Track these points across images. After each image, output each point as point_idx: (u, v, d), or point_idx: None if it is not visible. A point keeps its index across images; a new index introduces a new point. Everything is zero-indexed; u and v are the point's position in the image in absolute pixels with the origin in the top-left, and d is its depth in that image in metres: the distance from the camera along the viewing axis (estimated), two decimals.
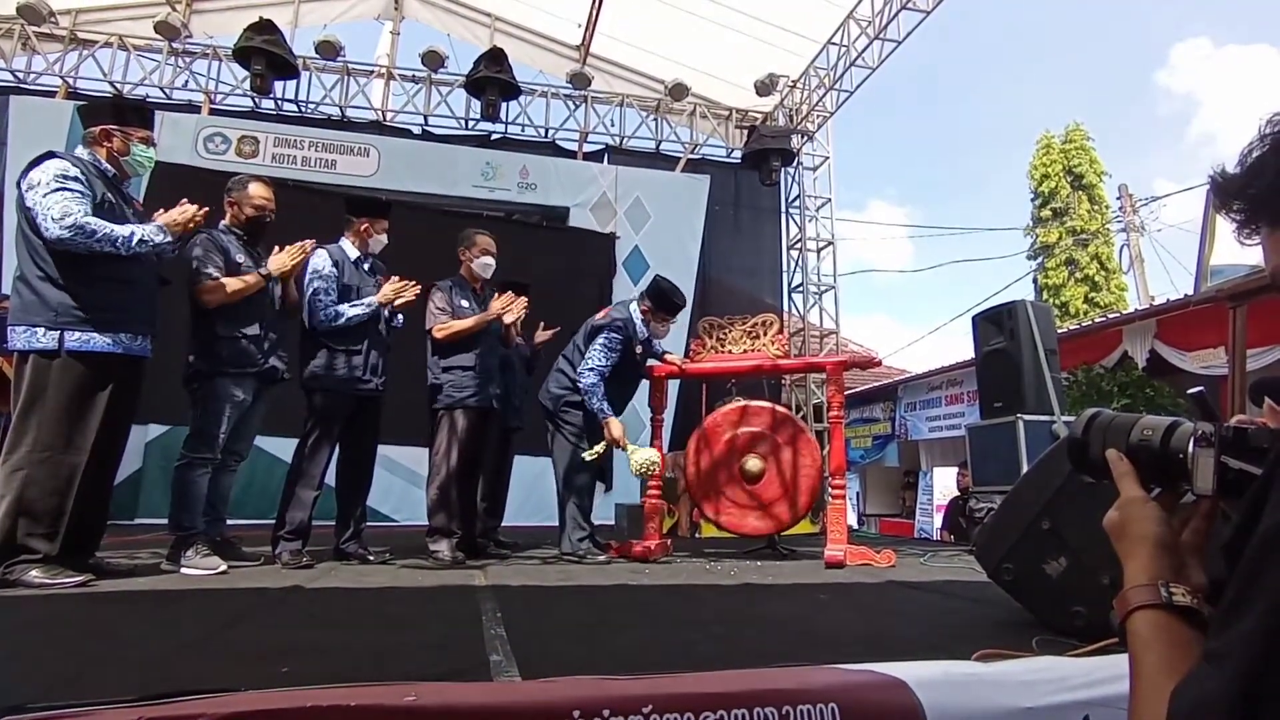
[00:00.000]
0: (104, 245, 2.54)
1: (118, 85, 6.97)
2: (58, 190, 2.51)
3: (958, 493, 7.79)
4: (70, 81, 6.88)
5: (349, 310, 3.38)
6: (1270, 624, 0.44)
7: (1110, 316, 8.11)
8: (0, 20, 6.78)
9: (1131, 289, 15.49)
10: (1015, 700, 1.31)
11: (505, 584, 2.77)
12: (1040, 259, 18.62)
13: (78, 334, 2.55)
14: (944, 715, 1.27)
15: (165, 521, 3.12)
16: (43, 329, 2.52)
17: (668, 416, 4.33)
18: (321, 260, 3.42)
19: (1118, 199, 15.57)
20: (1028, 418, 4.39)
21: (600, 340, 3.79)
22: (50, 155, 2.64)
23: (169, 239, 2.73)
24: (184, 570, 2.86)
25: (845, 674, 1.38)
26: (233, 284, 3.07)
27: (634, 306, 4.01)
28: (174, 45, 7.00)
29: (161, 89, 7.02)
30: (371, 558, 3.42)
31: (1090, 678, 1.35)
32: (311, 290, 3.36)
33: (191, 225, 2.83)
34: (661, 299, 3.96)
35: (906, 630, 1.97)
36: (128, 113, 2.87)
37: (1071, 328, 8.83)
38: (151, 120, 2.96)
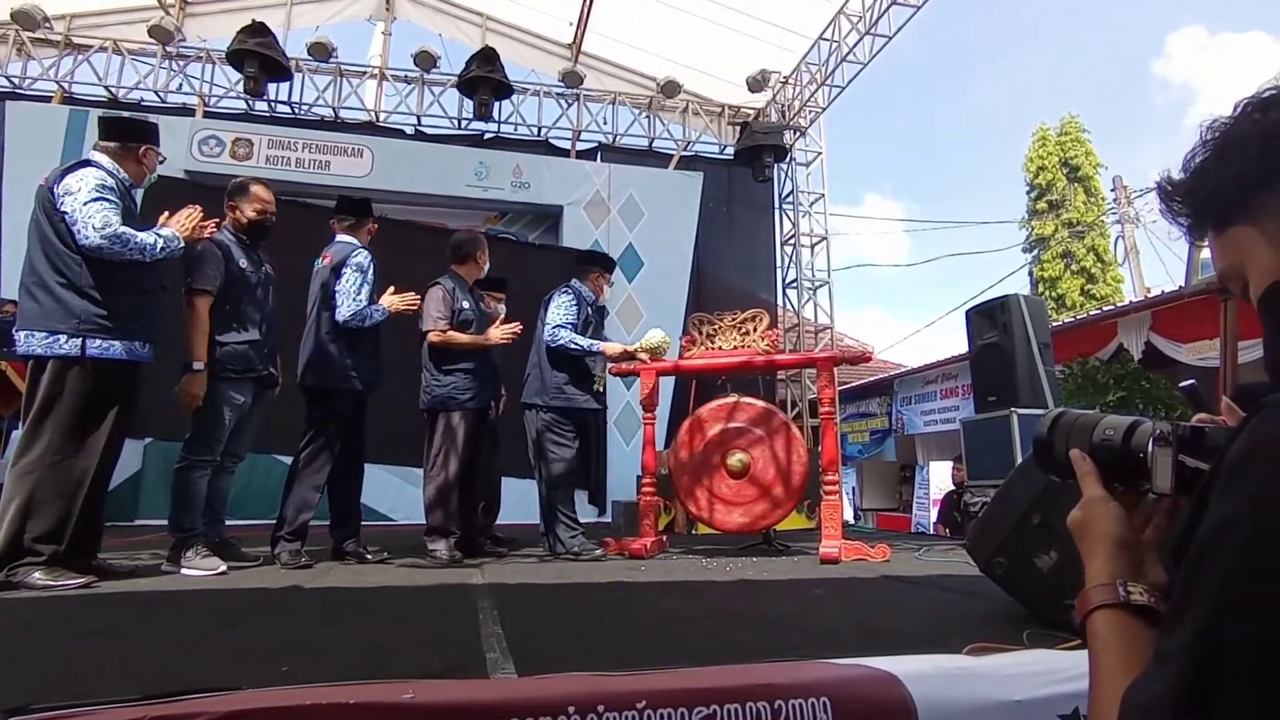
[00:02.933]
0: (134, 253, 2.63)
1: (112, 89, 6.97)
2: (97, 200, 2.58)
3: (953, 487, 7.83)
4: (65, 86, 6.88)
5: (374, 313, 3.43)
6: (1206, 626, 0.45)
7: (1106, 309, 8.15)
8: None
9: (1128, 281, 15.55)
10: (1005, 693, 1.33)
11: (502, 582, 2.79)
12: (1036, 252, 18.66)
13: (99, 341, 2.60)
14: (934, 708, 1.30)
15: (165, 523, 3.14)
16: (65, 335, 2.56)
17: (662, 414, 4.36)
18: (366, 259, 3.45)
19: (1113, 191, 15.61)
20: (1021, 411, 4.42)
21: (554, 301, 3.94)
22: (86, 164, 2.70)
23: (181, 244, 2.81)
24: (184, 571, 2.89)
25: (837, 668, 1.40)
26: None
27: (576, 282, 4.09)
28: (168, 49, 7.00)
29: (156, 92, 7.02)
30: (370, 557, 3.44)
31: (1080, 670, 1.35)
32: (355, 286, 3.37)
33: (200, 232, 2.91)
34: (598, 258, 4.37)
35: (899, 625, 2.00)
36: (155, 133, 2.99)
37: (1067, 320, 8.86)
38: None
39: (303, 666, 1.46)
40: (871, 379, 11.77)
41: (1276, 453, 0.46)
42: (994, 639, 1.55)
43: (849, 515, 10.18)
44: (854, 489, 11.12)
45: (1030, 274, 18.45)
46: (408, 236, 6.20)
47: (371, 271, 3.45)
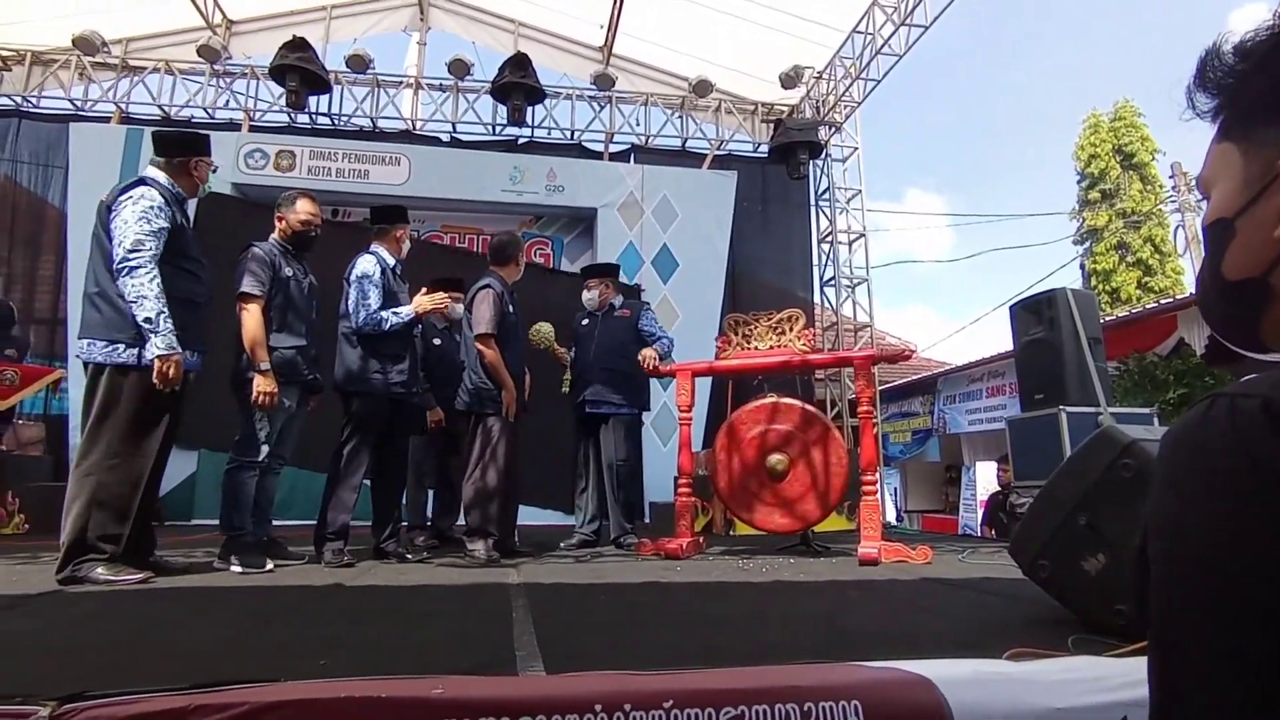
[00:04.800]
0: (146, 276, 2.67)
1: (165, 108, 7.27)
2: (141, 219, 2.69)
3: (999, 488, 7.63)
4: (123, 107, 7.20)
5: (391, 317, 3.48)
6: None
7: (1163, 302, 7.83)
8: (58, 52, 7.14)
9: (1189, 272, 14.92)
10: (1047, 700, 1.29)
11: (537, 581, 2.82)
12: (1088, 244, 18.04)
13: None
14: (971, 714, 1.26)
15: (217, 522, 3.26)
16: (123, 345, 2.68)
17: (699, 416, 4.36)
18: (372, 265, 3.53)
19: (1171, 178, 15.00)
20: (1070, 409, 4.28)
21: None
22: (141, 182, 2.81)
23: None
24: (234, 568, 2.99)
25: (869, 672, 1.37)
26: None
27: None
28: (215, 67, 7.27)
29: (205, 109, 7.30)
30: (410, 556, 3.51)
31: (1130, 678, 1.30)
32: (360, 292, 3.46)
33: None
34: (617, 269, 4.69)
35: (937, 628, 1.95)
36: (206, 144, 3.09)
37: (1121, 314, 8.55)
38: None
39: (340, 661, 1.50)
40: (914, 378, 11.54)
41: (1170, 453, 0.47)
42: (1037, 644, 1.51)
43: (891, 517, 10.00)
44: (896, 490, 10.92)
45: (1082, 267, 17.85)
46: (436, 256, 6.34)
47: (379, 275, 3.49)
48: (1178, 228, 14.58)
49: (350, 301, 3.47)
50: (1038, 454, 4.45)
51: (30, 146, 6.92)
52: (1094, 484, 1.90)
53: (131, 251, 2.65)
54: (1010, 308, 4.96)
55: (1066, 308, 4.49)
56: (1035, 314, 4.70)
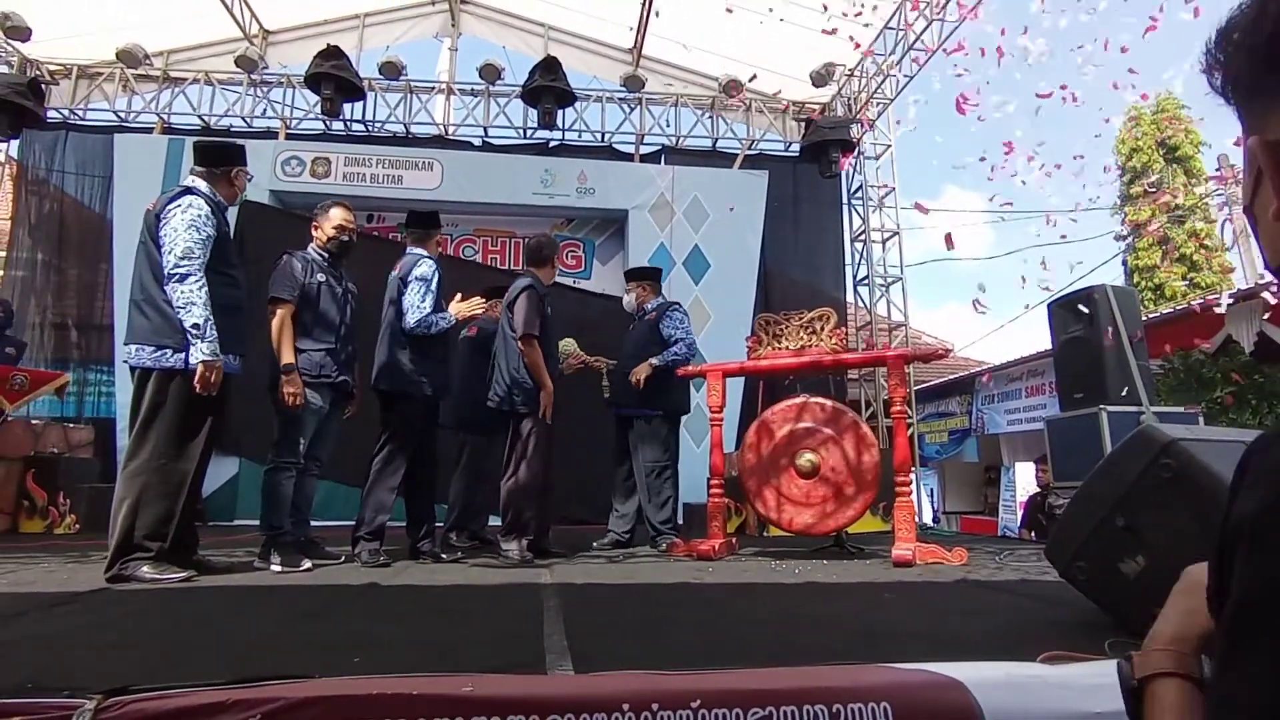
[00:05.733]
0: (196, 285, 2.76)
1: (205, 118, 7.48)
2: (191, 228, 2.78)
3: (1038, 489, 7.45)
4: (165, 117, 7.43)
5: (440, 320, 3.55)
6: (1267, 701, 0.41)
7: (1209, 298, 7.57)
8: (102, 65, 7.40)
9: (1237, 267, 14.38)
10: (1081, 705, 1.26)
11: (570, 581, 2.84)
12: (1130, 239, 17.51)
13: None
14: (1003, 717, 1.24)
15: (257, 523, 3.35)
16: (170, 350, 2.76)
17: (731, 416, 4.35)
18: (430, 268, 3.59)
19: (1217, 170, 14.48)
20: (1111, 409, 4.17)
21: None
22: (188, 191, 2.90)
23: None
24: (273, 568, 3.07)
25: (899, 673, 1.36)
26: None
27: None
28: (252, 77, 7.46)
29: (243, 118, 7.50)
30: (444, 556, 3.56)
31: None
32: (420, 295, 3.51)
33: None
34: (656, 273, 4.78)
35: (970, 630, 1.92)
36: (244, 154, 3.20)
37: (1165, 311, 8.29)
38: None
39: (373, 658, 1.53)
40: (951, 377, 11.33)
41: None
42: (1073, 648, 1.47)
43: (928, 518, 9.84)
44: (933, 491, 10.73)
45: (1124, 263, 17.31)
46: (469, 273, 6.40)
47: (435, 280, 3.57)
48: (1224, 221, 14.07)
49: (406, 301, 3.51)
50: (1078, 454, 4.34)
51: (77, 157, 7.18)
52: (1132, 485, 1.85)
53: (182, 259, 2.74)
54: (1048, 306, 4.84)
55: (1106, 304, 4.37)
56: (1074, 311, 4.58)
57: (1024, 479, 9.59)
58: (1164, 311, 8.24)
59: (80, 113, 7.49)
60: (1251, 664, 0.42)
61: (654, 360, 4.22)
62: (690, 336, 4.39)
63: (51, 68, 7.44)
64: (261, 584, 2.74)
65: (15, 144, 7.19)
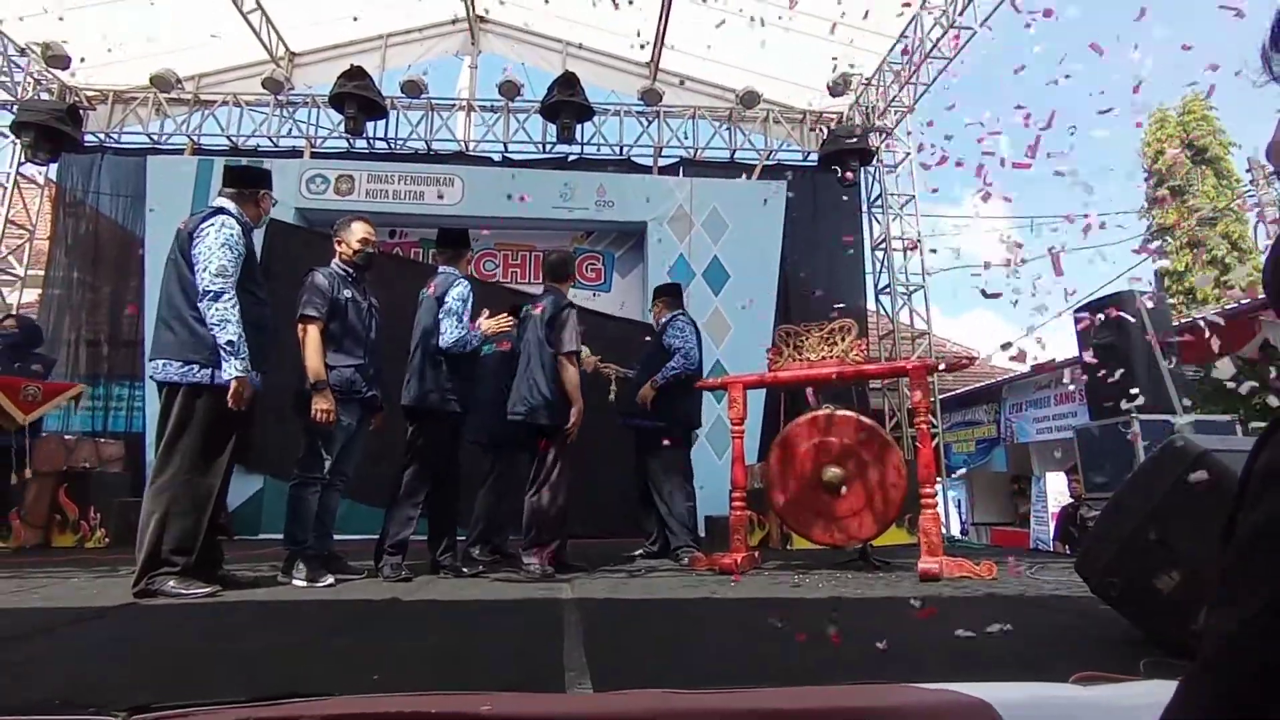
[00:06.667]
0: (230, 302, 2.83)
1: (233, 139, 7.66)
2: (224, 247, 2.85)
3: (1070, 500, 7.29)
4: (195, 139, 7.61)
5: (473, 339, 3.59)
6: (1253, 629, 0.43)
7: (1243, 302, 7.37)
8: (136, 90, 7.62)
9: None
10: None
11: (590, 597, 2.82)
12: (1159, 243, 17.17)
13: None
14: None
15: (282, 537, 3.38)
16: (198, 365, 2.81)
17: (754, 428, 4.33)
18: (467, 289, 3.63)
19: (1248, 171, 14.17)
20: (1143, 417, 4.08)
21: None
22: (219, 211, 2.97)
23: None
24: (296, 582, 3.09)
25: (924, 693, 1.32)
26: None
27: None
28: (279, 98, 7.62)
29: (269, 138, 7.66)
30: (466, 571, 3.57)
31: None
32: (459, 313, 3.54)
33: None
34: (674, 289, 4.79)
35: (998, 648, 1.87)
36: (269, 178, 3.30)
37: (1197, 316, 8.08)
38: None
39: (393, 675, 1.53)
40: (978, 385, 11.15)
41: None
42: (1106, 667, 1.42)
43: (956, 530, 9.66)
44: (961, 502, 10.55)
45: (1156, 272, 16.96)
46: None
47: (470, 300, 3.60)
48: (1257, 224, 13.76)
49: (444, 321, 3.52)
50: (1109, 464, 4.25)
51: (112, 178, 7.38)
52: (1164, 497, 1.80)
53: (216, 277, 2.80)
54: (1074, 313, 4.75)
55: (1135, 311, 4.28)
56: (1102, 317, 4.49)
57: (1055, 489, 9.38)
58: (1195, 316, 8.03)
59: (115, 136, 7.71)
60: (1246, 583, 0.45)
61: (655, 379, 4.29)
62: (687, 346, 4.38)
63: (89, 94, 7.68)
64: (285, 599, 2.76)
65: (54, 167, 7.41)
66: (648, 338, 4.62)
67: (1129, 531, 1.85)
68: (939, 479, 5.48)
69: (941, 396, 8.59)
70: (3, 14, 6.67)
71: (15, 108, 7.09)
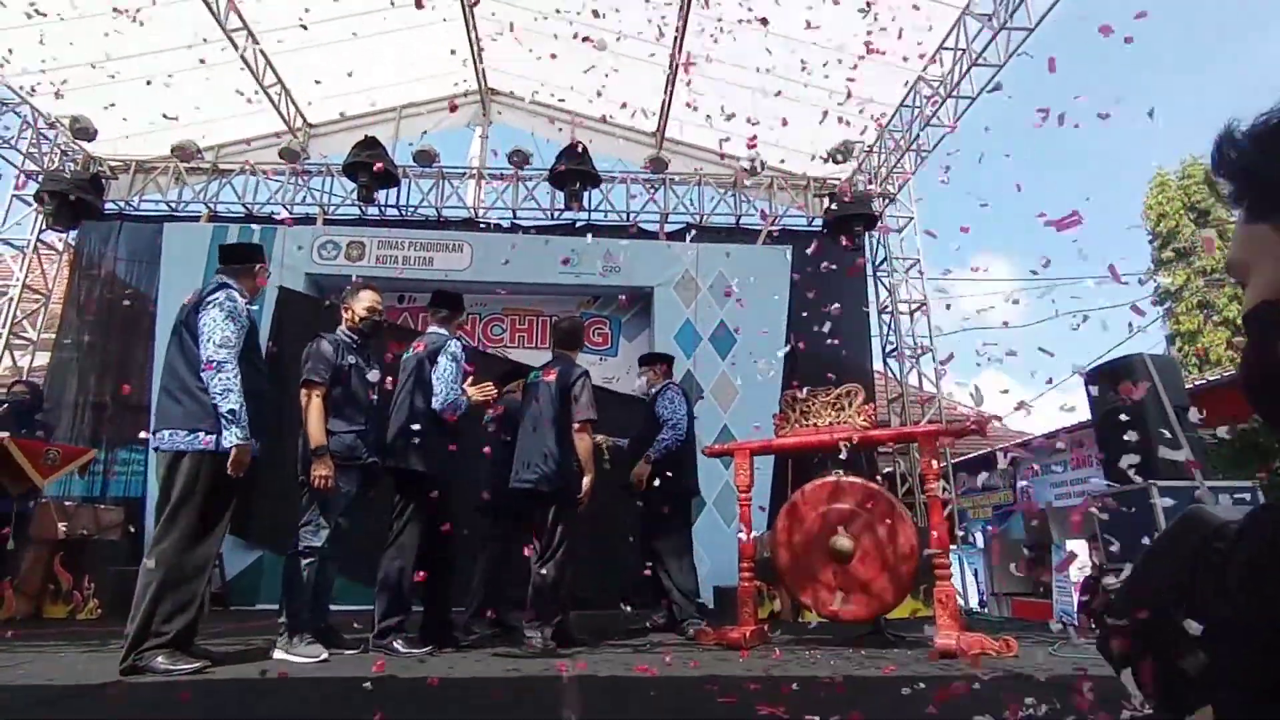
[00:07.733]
0: (230, 371, 2.88)
1: (249, 206, 7.87)
2: (229, 319, 2.93)
3: (1090, 570, 7.05)
4: (212, 206, 7.83)
5: (464, 402, 3.57)
6: None
7: None
8: (158, 160, 7.88)
9: None
10: None
11: (593, 674, 2.71)
12: (1167, 304, 17.17)
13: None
14: None
15: (278, 608, 3.29)
16: (203, 432, 2.84)
17: (761, 495, 4.25)
18: (459, 349, 3.63)
19: None
20: (1162, 484, 3.97)
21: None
22: (223, 287, 3.05)
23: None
24: (289, 656, 2.99)
25: None
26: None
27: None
28: (294, 166, 7.86)
29: (284, 205, 7.86)
30: (464, 642, 3.46)
31: None
32: (452, 374, 3.52)
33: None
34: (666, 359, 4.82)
35: None
36: (263, 251, 3.43)
37: (1212, 378, 7.99)
38: None
39: None
40: (990, 449, 10.96)
41: None
42: None
43: (974, 602, 9.33)
44: (978, 571, 10.21)
45: (1168, 336, 16.89)
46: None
47: (463, 360, 3.60)
48: None
49: (438, 380, 3.50)
50: (1129, 533, 4.11)
51: (129, 245, 7.50)
52: (1184, 572, 1.71)
53: (220, 347, 2.87)
54: (1084, 376, 4.69)
55: (1146, 375, 4.23)
56: (1113, 382, 4.43)
57: (1077, 558, 9.07)
58: (1210, 378, 7.93)
59: (134, 203, 7.93)
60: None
61: (649, 454, 4.26)
62: (676, 418, 4.35)
63: (112, 163, 7.95)
64: (273, 675, 2.65)
65: (73, 233, 7.61)
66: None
67: (1150, 609, 1.76)
68: (954, 547, 5.31)
69: (954, 460, 8.45)
70: (39, 86, 6.93)
71: (41, 177, 7.34)
